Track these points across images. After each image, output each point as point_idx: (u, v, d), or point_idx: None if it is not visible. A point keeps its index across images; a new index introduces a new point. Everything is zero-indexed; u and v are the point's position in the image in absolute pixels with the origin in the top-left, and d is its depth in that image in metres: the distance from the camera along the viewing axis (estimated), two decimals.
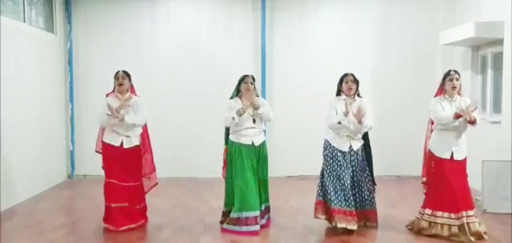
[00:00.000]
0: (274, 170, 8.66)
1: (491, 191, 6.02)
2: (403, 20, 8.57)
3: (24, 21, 7.12)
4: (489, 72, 7.35)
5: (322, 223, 5.58)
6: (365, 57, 8.59)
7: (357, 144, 5.34)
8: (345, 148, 5.27)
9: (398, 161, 8.40)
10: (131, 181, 5.41)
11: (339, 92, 5.42)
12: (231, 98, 5.46)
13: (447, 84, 5.04)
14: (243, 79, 5.39)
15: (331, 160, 5.29)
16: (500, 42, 6.70)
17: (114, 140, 5.34)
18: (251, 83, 5.35)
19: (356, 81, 5.34)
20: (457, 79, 5.02)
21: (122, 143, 5.34)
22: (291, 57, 8.57)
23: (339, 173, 5.24)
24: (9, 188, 6.32)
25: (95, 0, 8.51)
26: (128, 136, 5.35)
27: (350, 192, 5.23)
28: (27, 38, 7.15)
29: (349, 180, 5.27)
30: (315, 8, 8.60)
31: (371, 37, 8.63)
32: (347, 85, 5.30)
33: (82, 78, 8.52)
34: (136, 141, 5.45)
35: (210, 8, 8.63)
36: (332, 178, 5.27)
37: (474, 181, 6.74)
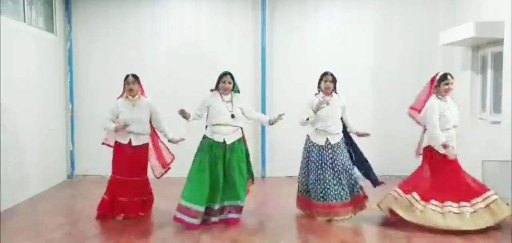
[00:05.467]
0: (274, 170, 8.68)
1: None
2: (403, 20, 8.58)
3: (24, 21, 7.12)
4: (489, 72, 7.35)
5: (322, 223, 5.59)
6: (365, 57, 8.59)
7: (336, 139, 5.70)
8: (322, 142, 5.68)
9: (398, 161, 8.39)
10: (136, 176, 5.74)
11: (318, 92, 5.83)
12: (212, 91, 5.64)
13: (443, 87, 5.46)
14: (221, 77, 5.56)
15: (307, 155, 5.77)
16: (500, 42, 6.70)
17: (122, 138, 5.71)
18: (229, 82, 5.52)
19: (334, 80, 5.76)
20: (452, 84, 5.47)
21: (130, 141, 5.70)
22: (291, 57, 8.57)
23: (310, 168, 5.68)
24: (9, 188, 6.32)
25: (95, 0, 8.51)
26: (136, 134, 5.70)
27: (318, 186, 5.62)
28: (27, 38, 7.15)
29: (316, 175, 5.64)
30: (315, 8, 8.60)
31: (371, 37, 8.63)
32: (326, 84, 5.71)
33: (82, 78, 8.52)
34: (145, 140, 5.81)
35: (210, 8, 8.63)
36: (305, 172, 5.78)
37: None
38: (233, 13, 8.61)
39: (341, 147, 5.71)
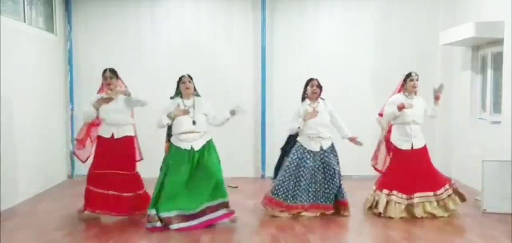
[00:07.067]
0: None
1: (491, 191, 6.01)
2: (403, 20, 8.57)
3: (24, 21, 7.12)
4: (489, 72, 7.35)
5: (321, 222, 5.60)
6: (365, 57, 8.59)
7: (327, 143, 5.77)
8: (316, 148, 5.73)
9: None
10: (123, 170, 5.66)
11: (304, 98, 5.90)
12: (172, 98, 5.51)
13: (408, 84, 5.83)
14: (180, 79, 5.45)
15: (298, 162, 5.69)
16: (500, 42, 6.70)
17: (105, 132, 5.68)
18: (189, 81, 5.41)
19: (320, 86, 5.83)
20: (417, 80, 5.82)
21: (112, 135, 5.66)
22: (291, 57, 8.57)
23: (302, 174, 5.67)
24: (10, 188, 6.32)
25: (95, 0, 8.52)
26: (117, 126, 5.65)
27: (307, 189, 5.74)
28: (27, 38, 7.15)
29: (309, 178, 5.72)
30: (315, 8, 8.59)
31: (371, 37, 8.63)
32: (312, 89, 5.80)
33: (82, 78, 8.51)
34: (127, 132, 5.73)
35: (210, 8, 8.63)
36: (291, 177, 5.69)
37: (474, 181, 6.75)
38: (233, 13, 8.60)
39: (333, 151, 5.83)
